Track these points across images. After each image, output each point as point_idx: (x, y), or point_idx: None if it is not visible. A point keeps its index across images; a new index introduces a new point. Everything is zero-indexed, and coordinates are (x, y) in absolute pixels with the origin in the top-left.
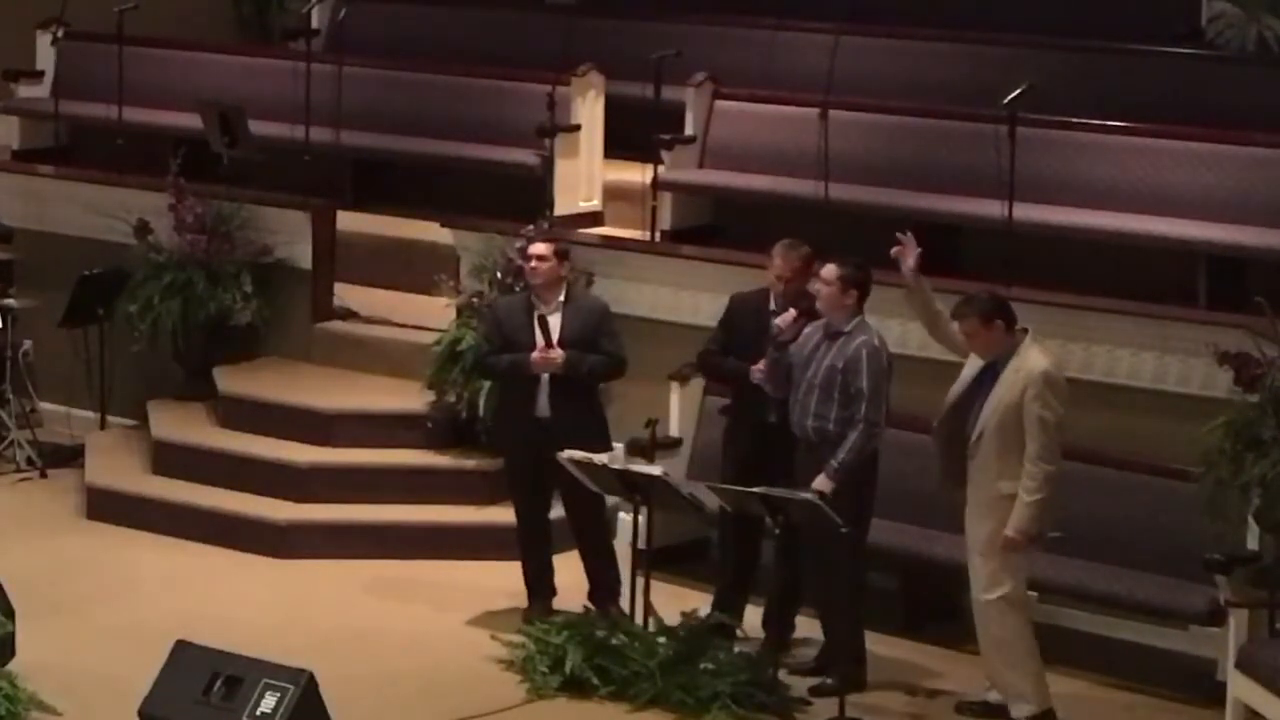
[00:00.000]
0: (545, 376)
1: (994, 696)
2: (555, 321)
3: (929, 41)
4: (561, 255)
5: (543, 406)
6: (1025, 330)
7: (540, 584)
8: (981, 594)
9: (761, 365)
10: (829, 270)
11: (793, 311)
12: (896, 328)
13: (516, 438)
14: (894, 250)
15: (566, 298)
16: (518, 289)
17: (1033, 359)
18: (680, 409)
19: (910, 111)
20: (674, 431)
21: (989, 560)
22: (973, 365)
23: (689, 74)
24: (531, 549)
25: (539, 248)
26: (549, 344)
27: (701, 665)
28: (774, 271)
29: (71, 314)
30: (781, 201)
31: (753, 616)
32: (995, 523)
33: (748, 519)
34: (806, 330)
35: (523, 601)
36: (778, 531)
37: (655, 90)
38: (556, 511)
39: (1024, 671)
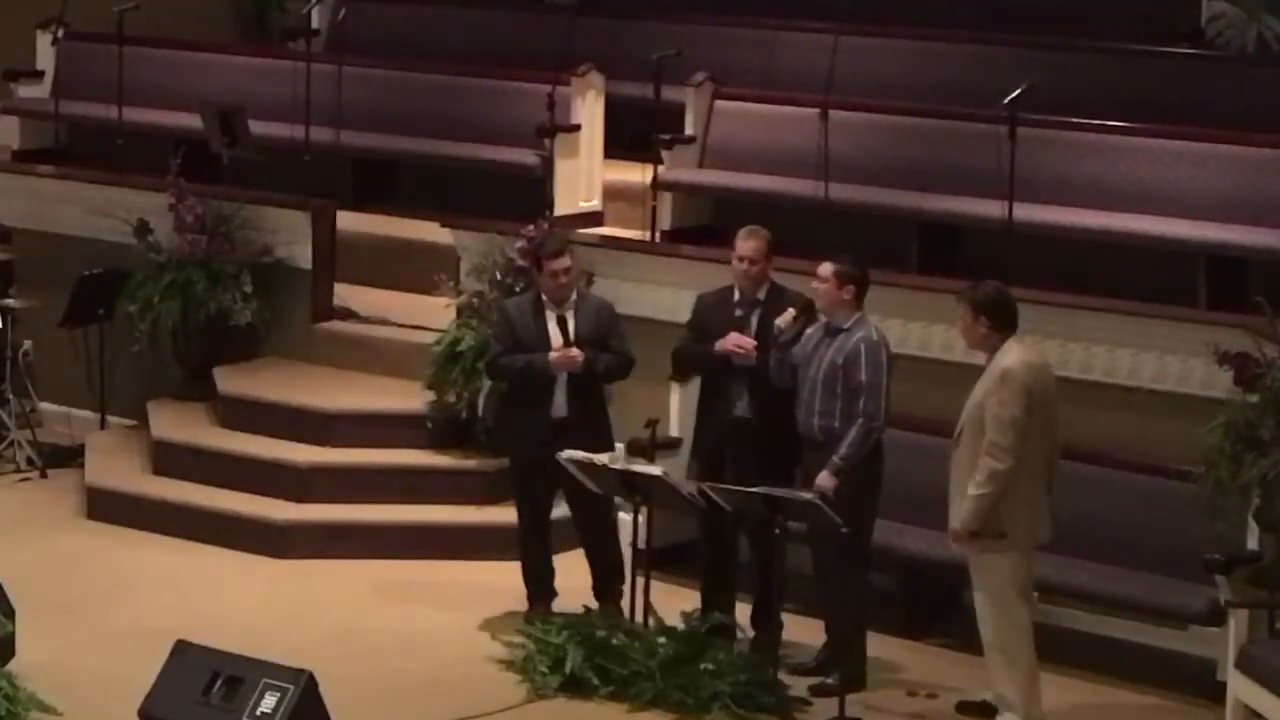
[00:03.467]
0: (563, 376)
1: (991, 697)
2: (569, 321)
3: (929, 41)
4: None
5: (559, 406)
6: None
7: (540, 585)
8: (975, 593)
9: (733, 339)
10: (825, 268)
11: (792, 311)
12: (897, 327)
13: (530, 438)
14: None
15: (577, 297)
16: (518, 290)
17: (1005, 357)
18: (680, 409)
19: (910, 111)
20: (674, 431)
21: (971, 560)
22: None
23: (689, 74)
24: (534, 549)
25: (564, 261)
26: (568, 343)
27: (701, 665)
28: (740, 253)
29: (71, 314)
30: (781, 201)
31: (744, 616)
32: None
33: (720, 518)
34: (809, 331)
35: (523, 601)
36: (777, 531)
37: (655, 90)
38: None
39: (1012, 679)
